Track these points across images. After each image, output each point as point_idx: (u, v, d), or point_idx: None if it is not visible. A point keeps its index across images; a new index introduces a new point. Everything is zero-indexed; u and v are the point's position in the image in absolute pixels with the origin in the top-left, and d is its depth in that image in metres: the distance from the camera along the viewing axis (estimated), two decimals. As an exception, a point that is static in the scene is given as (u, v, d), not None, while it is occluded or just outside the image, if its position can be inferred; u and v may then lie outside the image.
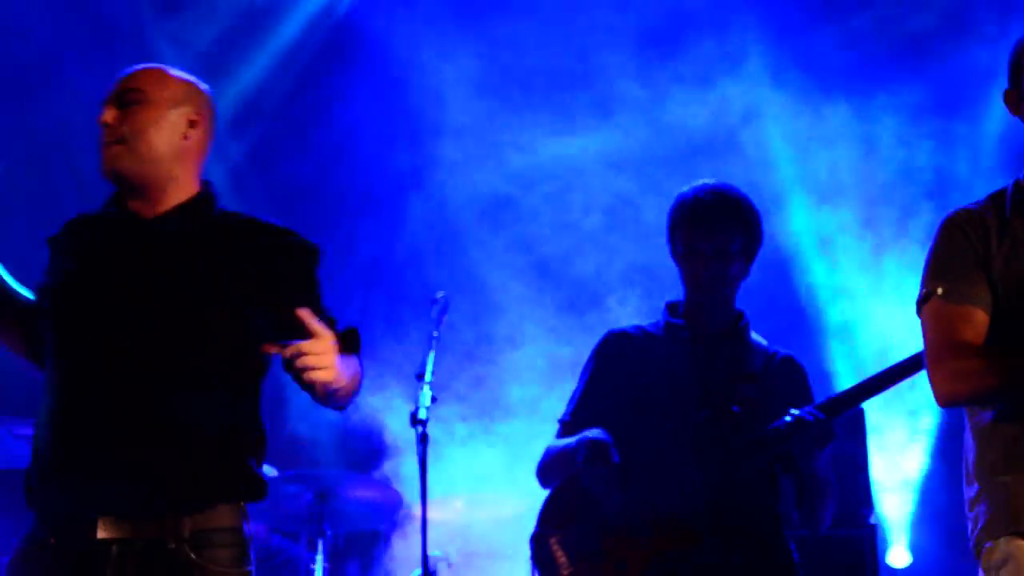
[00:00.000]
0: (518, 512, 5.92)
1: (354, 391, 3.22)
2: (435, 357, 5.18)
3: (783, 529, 4.43)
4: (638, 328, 4.59)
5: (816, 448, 4.13)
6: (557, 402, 4.82)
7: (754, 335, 4.48)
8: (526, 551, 4.45)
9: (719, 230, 4.30)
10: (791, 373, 4.53)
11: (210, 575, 3.15)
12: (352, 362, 3.13)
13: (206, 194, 3.38)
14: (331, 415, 6.46)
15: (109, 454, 3.15)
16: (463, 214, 8.06)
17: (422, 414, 5.04)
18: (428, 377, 5.17)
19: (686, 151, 7.70)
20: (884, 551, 6.86)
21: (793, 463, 4.26)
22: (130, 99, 3.28)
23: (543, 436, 4.65)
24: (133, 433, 3.15)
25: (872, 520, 5.96)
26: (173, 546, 3.16)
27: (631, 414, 4.36)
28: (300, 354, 2.79)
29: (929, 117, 7.70)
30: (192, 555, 3.14)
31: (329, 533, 6.13)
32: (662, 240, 4.37)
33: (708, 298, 4.38)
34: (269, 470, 5.42)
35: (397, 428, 6.91)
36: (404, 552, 6.69)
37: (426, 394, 5.10)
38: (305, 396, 3.21)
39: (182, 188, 3.33)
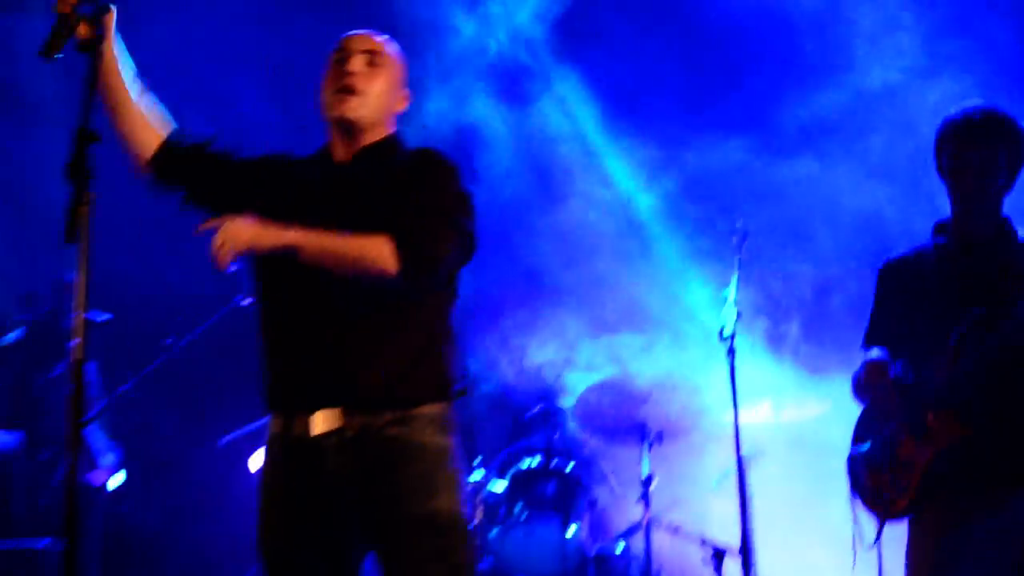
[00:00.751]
0: (822, 414, 6.48)
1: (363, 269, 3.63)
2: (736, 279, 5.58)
3: None
4: (911, 249, 4.80)
5: None
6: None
7: None
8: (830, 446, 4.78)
9: (984, 143, 4.51)
10: None
11: (411, 445, 3.64)
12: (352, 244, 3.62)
13: (393, 136, 3.95)
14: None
15: (326, 361, 3.70)
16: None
17: (728, 330, 5.49)
18: (734, 296, 5.58)
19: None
20: None
21: None
22: (376, 61, 3.87)
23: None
24: (341, 342, 3.67)
25: None
26: (379, 429, 3.66)
27: (911, 325, 4.69)
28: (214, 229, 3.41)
29: None
30: (396, 431, 3.65)
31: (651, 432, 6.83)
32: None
33: (976, 207, 4.55)
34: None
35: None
36: (716, 453, 6.91)
37: (731, 310, 5.53)
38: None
39: (380, 134, 3.93)
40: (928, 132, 4.76)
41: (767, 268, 7.55)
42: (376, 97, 3.89)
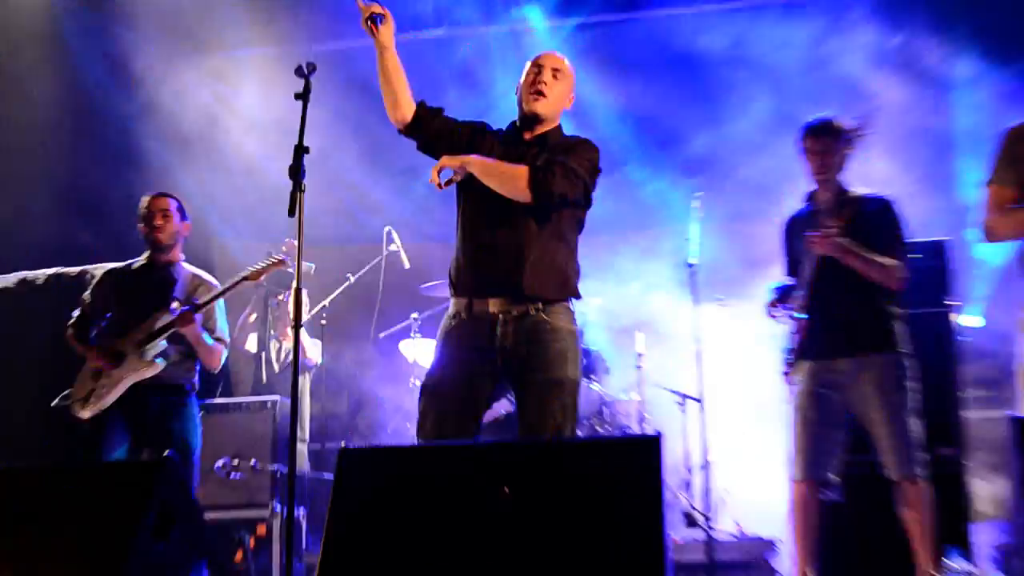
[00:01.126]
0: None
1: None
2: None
3: None
4: (797, 211, 5.90)
5: None
6: None
7: None
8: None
9: (823, 137, 5.58)
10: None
11: (553, 328, 4.47)
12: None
13: (559, 126, 4.81)
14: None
15: (498, 264, 4.54)
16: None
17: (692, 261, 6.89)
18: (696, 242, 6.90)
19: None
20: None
21: None
22: (558, 76, 4.72)
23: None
24: (509, 252, 4.50)
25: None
26: (532, 314, 4.49)
27: (795, 258, 5.77)
28: None
29: None
30: (544, 316, 4.49)
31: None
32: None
33: (820, 180, 5.65)
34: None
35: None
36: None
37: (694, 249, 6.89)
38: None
39: (552, 125, 4.79)
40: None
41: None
42: (555, 100, 4.74)
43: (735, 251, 8.36)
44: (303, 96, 4.44)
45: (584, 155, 4.62)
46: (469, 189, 4.62)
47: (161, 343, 5.96)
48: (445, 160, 4.52)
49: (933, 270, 6.33)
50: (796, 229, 5.76)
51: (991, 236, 4.77)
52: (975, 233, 5.01)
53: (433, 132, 4.70)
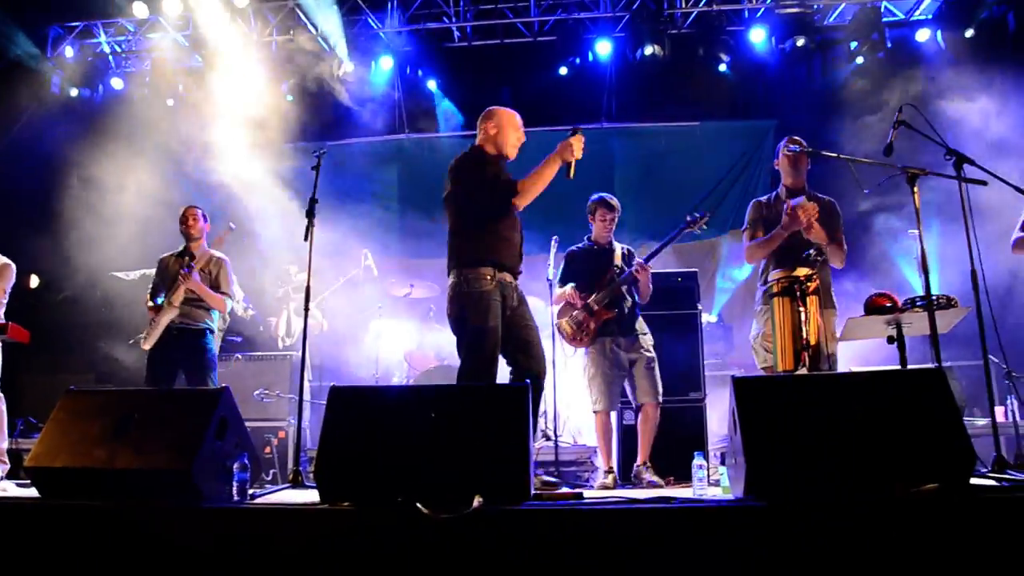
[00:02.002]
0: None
1: None
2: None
3: None
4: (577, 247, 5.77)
5: None
6: None
7: None
8: None
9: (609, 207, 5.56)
10: None
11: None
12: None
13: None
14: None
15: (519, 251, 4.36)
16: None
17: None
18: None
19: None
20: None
21: None
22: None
23: None
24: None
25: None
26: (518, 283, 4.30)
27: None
28: None
29: None
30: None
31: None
32: None
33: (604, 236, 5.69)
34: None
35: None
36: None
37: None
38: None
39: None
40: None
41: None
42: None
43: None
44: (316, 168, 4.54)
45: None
46: None
47: (180, 296, 5.90)
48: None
49: (688, 287, 6.42)
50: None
51: (749, 259, 4.96)
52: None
53: None
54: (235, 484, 3.49)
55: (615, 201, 5.64)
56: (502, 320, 4.18)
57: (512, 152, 4.39)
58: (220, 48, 8.76)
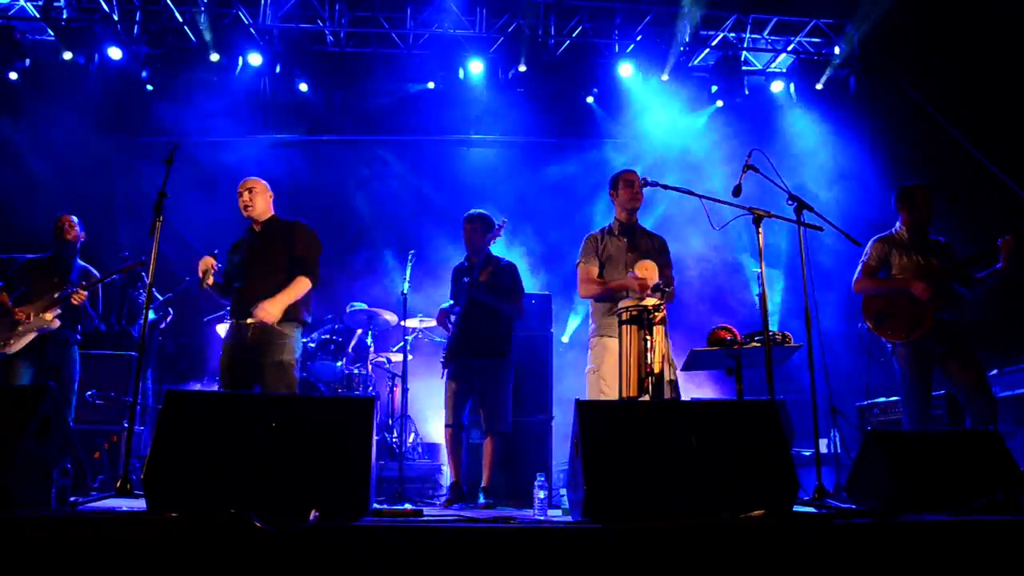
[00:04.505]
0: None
1: None
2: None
3: None
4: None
5: None
6: None
7: None
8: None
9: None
10: None
11: None
12: None
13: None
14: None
15: None
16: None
17: None
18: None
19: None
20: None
21: None
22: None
23: None
24: None
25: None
26: None
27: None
28: None
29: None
30: None
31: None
32: None
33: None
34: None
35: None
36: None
37: None
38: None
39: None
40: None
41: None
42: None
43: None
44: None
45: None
46: None
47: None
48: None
49: (544, 309, 6.57)
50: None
51: (583, 294, 5.02)
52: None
53: None
54: (54, 491, 3.27)
55: (472, 213, 5.67)
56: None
57: None
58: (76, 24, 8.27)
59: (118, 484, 4.00)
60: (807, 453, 6.24)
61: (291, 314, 4.72)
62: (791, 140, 8.69)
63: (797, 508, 3.45)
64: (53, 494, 3.28)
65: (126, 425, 6.56)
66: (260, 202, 4.92)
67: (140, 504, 3.23)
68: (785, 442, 3.32)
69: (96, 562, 2.74)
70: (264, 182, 5.01)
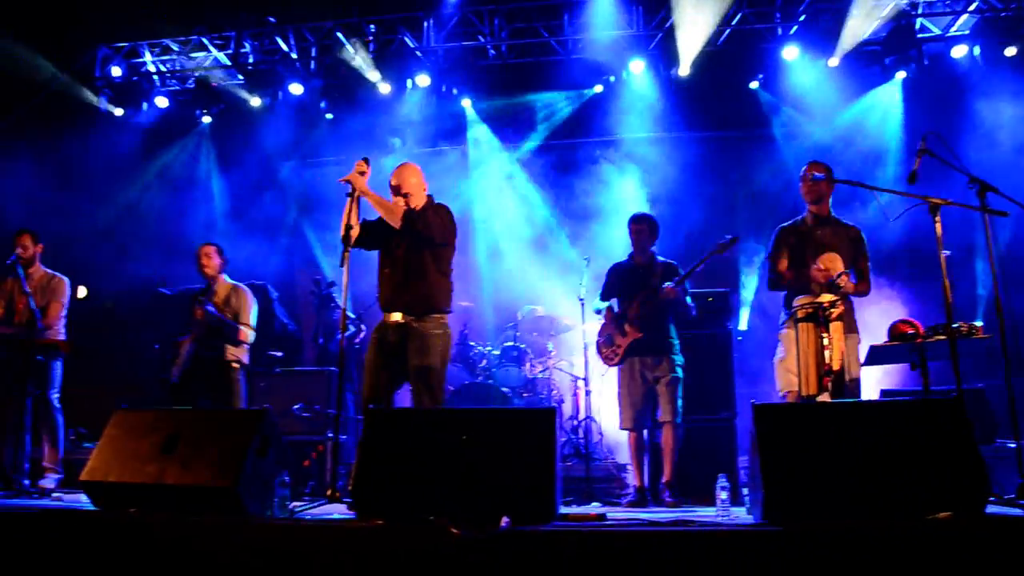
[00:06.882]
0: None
1: None
2: None
3: None
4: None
5: None
6: None
7: None
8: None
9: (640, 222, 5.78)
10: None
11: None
12: None
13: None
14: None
15: None
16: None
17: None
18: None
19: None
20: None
21: None
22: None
23: None
24: None
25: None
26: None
27: (613, 289, 5.86)
28: None
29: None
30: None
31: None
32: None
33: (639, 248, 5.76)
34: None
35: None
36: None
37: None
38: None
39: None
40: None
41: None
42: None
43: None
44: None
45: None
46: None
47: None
48: None
49: (721, 307, 6.51)
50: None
51: (772, 287, 4.98)
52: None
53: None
54: (276, 500, 3.70)
55: (639, 214, 5.79)
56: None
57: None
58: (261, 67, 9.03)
59: (328, 492, 4.38)
60: (1011, 445, 5.88)
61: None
62: (979, 112, 8.08)
63: (992, 509, 3.33)
64: (275, 503, 3.71)
65: (330, 435, 7.03)
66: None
67: (344, 509, 3.57)
68: (972, 440, 3.23)
69: (314, 564, 3.10)
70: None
